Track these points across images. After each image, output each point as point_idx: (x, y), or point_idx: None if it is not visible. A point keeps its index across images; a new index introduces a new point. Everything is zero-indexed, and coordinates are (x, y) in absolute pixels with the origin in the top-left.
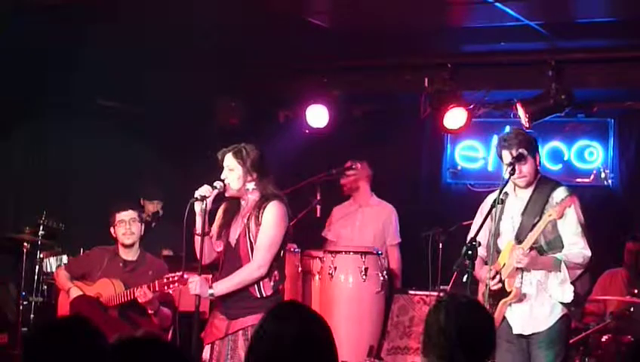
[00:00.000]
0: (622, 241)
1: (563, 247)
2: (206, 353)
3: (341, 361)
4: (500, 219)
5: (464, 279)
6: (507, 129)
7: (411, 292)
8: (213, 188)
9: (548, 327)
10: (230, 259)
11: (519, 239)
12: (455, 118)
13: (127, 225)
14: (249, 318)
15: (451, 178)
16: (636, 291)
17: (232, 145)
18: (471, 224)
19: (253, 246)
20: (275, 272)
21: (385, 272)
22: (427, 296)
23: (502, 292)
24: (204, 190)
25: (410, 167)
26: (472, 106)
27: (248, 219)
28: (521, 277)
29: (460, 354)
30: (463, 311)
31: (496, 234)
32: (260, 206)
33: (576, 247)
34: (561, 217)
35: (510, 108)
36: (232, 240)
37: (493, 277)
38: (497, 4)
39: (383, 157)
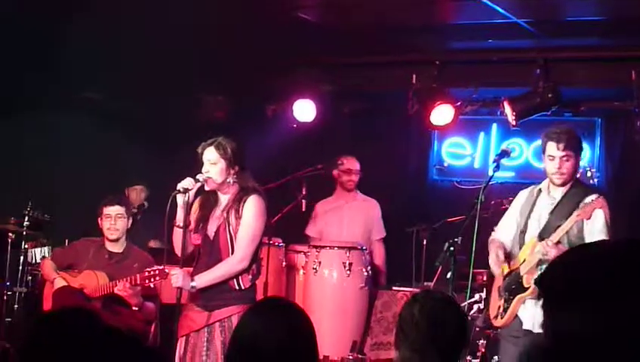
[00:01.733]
0: None
1: None
2: (180, 345)
3: (324, 356)
4: (528, 216)
5: (448, 275)
6: (494, 127)
7: (395, 288)
8: (196, 180)
9: None
10: (208, 252)
11: (542, 237)
12: (442, 114)
13: (112, 221)
14: (226, 310)
15: (437, 175)
16: None
17: (211, 139)
18: (456, 221)
19: (233, 239)
20: (254, 266)
21: (369, 268)
22: (411, 292)
23: (519, 288)
24: (187, 183)
25: (396, 164)
26: (459, 103)
27: (228, 213)
28: None
29: (432, 348)
30: (437, 306)
31: (523, 230)
32: (240, 199)
33: None
34: (588, 218)
35: (497, 105)
36: (211, 233)
37: (506, 276)
38: (486, 1)
39: (369, 153)
